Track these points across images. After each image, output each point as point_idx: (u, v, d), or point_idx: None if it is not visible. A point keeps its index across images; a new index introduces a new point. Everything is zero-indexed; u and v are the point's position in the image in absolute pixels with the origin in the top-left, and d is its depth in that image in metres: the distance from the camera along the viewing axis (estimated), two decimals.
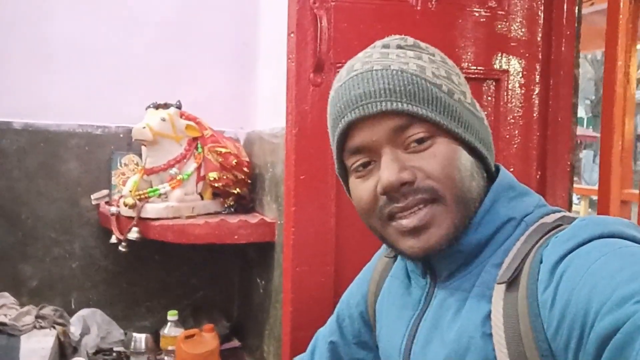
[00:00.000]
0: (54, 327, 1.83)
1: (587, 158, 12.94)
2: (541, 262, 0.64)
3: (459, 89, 0.73)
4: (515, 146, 1.44)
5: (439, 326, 0.74)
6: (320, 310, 1.30)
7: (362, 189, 0.74)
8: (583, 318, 0.54)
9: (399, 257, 0.89)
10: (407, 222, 0.70)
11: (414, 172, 0.69)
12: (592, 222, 0.64)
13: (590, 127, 14.41)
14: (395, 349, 0.81)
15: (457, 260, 0.74)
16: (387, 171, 0.69)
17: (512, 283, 0.66)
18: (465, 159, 0.71)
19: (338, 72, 1.28)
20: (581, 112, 15.49)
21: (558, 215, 0.71)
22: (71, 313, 1.90)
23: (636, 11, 3.06)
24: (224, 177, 1.82)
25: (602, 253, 0.58)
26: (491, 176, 0.77)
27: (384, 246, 0.97)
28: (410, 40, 0.75)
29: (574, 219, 0.69)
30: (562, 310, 0.58)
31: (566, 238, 0.63)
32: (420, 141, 0.70)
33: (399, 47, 0.73)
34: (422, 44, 0.75)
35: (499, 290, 0.67)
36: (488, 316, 0.67)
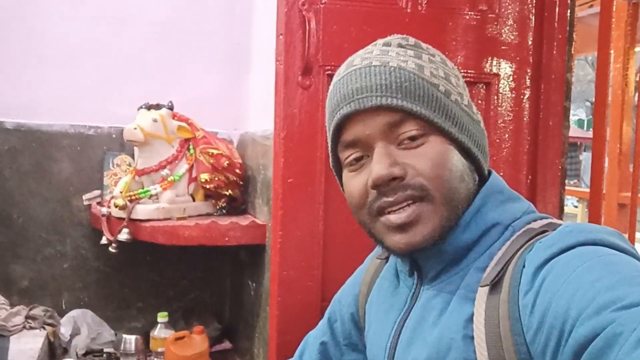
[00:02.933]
0: (44, 328, 1.83)
1: (587, 160, 12.90)
2: (524, 266, 0.64)
3: (456, 90, 0.73)
4: (505, 150, 1.43)
5: (422, 326, 0.75)
6: (307, 314, 1.30)
7: (354, 182, 0.75)
8: (562, 324, 0.55)
9: (390, 259, 0.90)
10: (395, 217, 0.71)
11: (404, 169, 0.70)
12: (576, 229, 0.64)
13: (591, 129, 14.34)
14: (380, 349, 0.82)
15: (443, 261, 0.74)
16: (379, 165, 0.70)
17: (495, 286, 0.67)
18: (457, 159, 0.72)
19: (327, 75, 1.29)
20: (581, 114, 15.46)
21: (545, 221, 0.72)
22: (62, 313, 1.90)
23: (635, 14, 3.05)
24: (216, 179, 1.82)
25: (583, 260, 0.58)
26: (483, 180, 0.77)
27: (376, 248, 0.98)
28: (412, 40, 0.76)
29: (560, 225, 0.69)
30: (541, 315, 0.58)
31: (549, 244, 0.63)
32: (413, 138, 0.71)
33: (400, 45, 0.74)
34: (424, 45, 0.76)
35: (482, 293, 0.68)
36: (470, 318, 0.68)
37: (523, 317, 0.61)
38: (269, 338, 1.38)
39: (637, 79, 3.15)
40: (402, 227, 0.71)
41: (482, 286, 0.68)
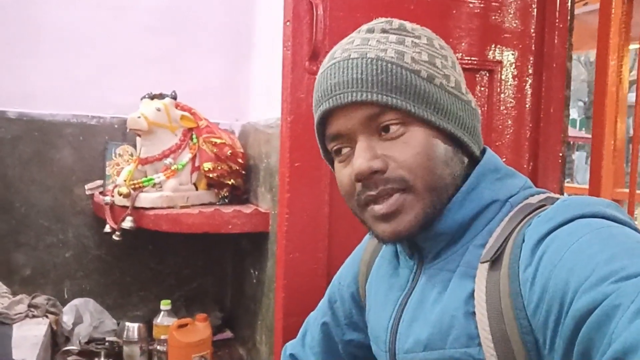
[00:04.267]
0: (47, 316, 1.83)
1: (579, 159, 12.99)
2: (523, 241, 0.65)
3: (441, 73, 0.72)
4: (507, 137, 1.45)
5: (423, 305, 0.75)
6: (313, 297, 1.30)
7: (342, 174, 0.76)
8: (562, 297, 0.55)
9: None
10: (378, 208, 0.72)
11: (385, 161, 0.71)
12: (574, 202, 0.65)
13: (583, 128, 14.48)
14: (382, 328, 0.82)
15: (441, 241, 0.75)
16: (359, 160, 0.71)
17: (495, 262, 0.67)
18: (439, 146, 0.72)
19: None
20: (574, 114, 15.55)
21: (543, 196, 0.72)
22: (64, 302, 1.90)
23: (629, 11, 3.08)
24: (219, 168, 1.83)
25: (582, 233, 0.59)
26: (477, 159, 0.77)
27: None
28: (396, 23, 0.75)
29: (558, 199, 0.69)
30: (541, 288, 0.59)
31: (548, 217, 0.64)
32: (391, 130, 0.71)
33: (384, 30, 0.74)
34: (409, 27, 0.75)
35: (482, 269, 0.68)
36: (471, 295, 0.68)
37: (524, 292, 0.62)
38: (275, 321, 1.39)
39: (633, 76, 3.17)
40: (385, 217, 0.72)
41: (482, 262, 0.68)
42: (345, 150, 0.75)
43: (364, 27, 0.76)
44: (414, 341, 0.74)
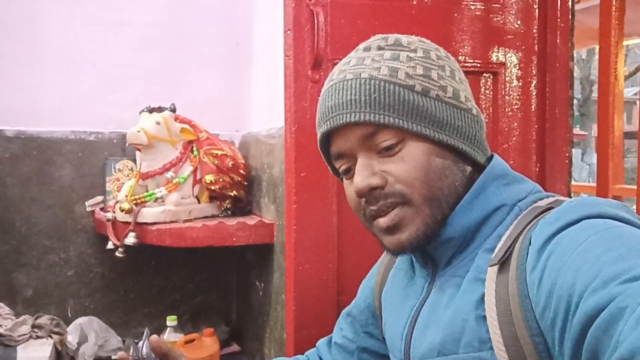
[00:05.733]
0: (51, 337, 1.80)
1: (575, 157, 12.99)
2: (530, 243, 0.65)
3: (437, 85, 0.73)
4: (514, 139, 1.44)
5: (436, 311, 0.76)
6: (324, 308, 1.29)
7: (349, 190, 0.79)
8: (568, 298, 0.55)
9: None
10: (382, 221, 0.75)
11: (384, 177, 0.73)
12: (580, 203, 0.65)
13: (578, 125, 14.53)
14: (398, 336, 0.83)
15: (451, 247, 0.76)
16: (358, 178, 0.74)
17: (503, 265, 0.68)
18: (436, 159, 0.73)
19: None
20: None
21: (551, 199, 0.73)
22: (68, 321, 1.87)
23: (622, 7, 3.10)
24: (221, 180, 1.81)
25: (588, 234, 0.59)
26: (484, 166, 0.78)
27: None
28: (392, 38, 0.76)
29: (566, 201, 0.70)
30: (549, 290, 0.59)
31: (554, 219, 0.64)
32: (389, 147, 0.73)
33: (379, 48, 0.76)
34: (405, 41, 0.76)
35: (492, 273, 0.68)
36: (482, 299, 0.69)
37: (531, 294, 0.62)
38: (286, 334, 1.37)
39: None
40: (389, 230, 0.74)
41: (491, 266, 0.69)
42: (352, 169, 0.77)
43: (361, 45, 0.78)
44: (427, 347, 0.75)
